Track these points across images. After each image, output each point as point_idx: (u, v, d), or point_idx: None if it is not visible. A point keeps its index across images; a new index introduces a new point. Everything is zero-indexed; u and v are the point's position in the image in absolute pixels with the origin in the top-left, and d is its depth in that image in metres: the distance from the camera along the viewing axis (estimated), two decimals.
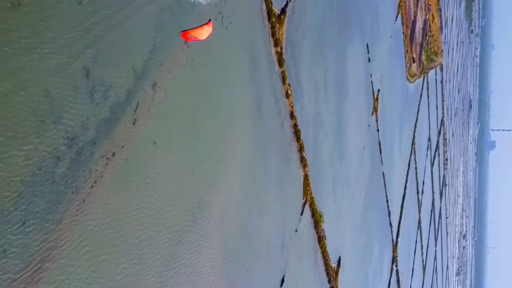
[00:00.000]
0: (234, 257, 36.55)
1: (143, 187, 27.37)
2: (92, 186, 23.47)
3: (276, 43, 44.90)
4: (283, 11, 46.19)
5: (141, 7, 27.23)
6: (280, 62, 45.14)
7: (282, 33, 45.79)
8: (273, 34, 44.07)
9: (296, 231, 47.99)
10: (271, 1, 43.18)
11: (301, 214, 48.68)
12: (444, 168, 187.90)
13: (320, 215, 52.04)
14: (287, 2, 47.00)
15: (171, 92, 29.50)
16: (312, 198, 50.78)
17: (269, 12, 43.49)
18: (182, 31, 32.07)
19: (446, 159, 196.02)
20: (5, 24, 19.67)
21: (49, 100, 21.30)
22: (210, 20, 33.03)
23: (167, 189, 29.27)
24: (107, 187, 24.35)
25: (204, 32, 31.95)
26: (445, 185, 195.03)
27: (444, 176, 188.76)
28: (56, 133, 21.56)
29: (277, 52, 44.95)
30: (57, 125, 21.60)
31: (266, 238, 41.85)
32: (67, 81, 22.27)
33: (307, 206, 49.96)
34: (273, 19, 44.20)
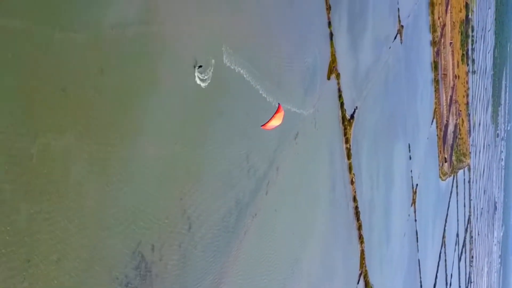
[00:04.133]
0: None
1: (268, 242, 38.15)
2: (244, 233, 34.36)
3: (346, 140, 56.56)
4: (352, 116, 58.22)
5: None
6: (348, 155, 56.54)
7: (350, 133, 57.54)
8: (345, 134, 55.84)
9: None
10: (345, 109, 55.34)
11: (358, 283, 58.16)
12: (470, 265, 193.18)
13: (371, 287, 61.27)
14: (355, 109, 59.17)
15: (286, 174, 40.76)
16: (366, 271, 60.34)
17: (343, 117, 55.52)
18: (263, 125, 41.69)
19: (472, 257, 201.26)
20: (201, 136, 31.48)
21: (229, 175, 32.72)
22: (279, 104, 42.26)
23: (280, 246, 39.90)
24: (252, 236, 35.21)
25: (278, 118, 36.91)
26: (470, 282, 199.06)
27: (469, 273, 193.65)
28: (232, 197, 32.81)
29: (346, 147, 56.50)
30: (233, 191, 32.88)
31: None
32: (238, 162, 33.81)
33: (362, 277, 59.47)
34: (345, 122, 56.15)
